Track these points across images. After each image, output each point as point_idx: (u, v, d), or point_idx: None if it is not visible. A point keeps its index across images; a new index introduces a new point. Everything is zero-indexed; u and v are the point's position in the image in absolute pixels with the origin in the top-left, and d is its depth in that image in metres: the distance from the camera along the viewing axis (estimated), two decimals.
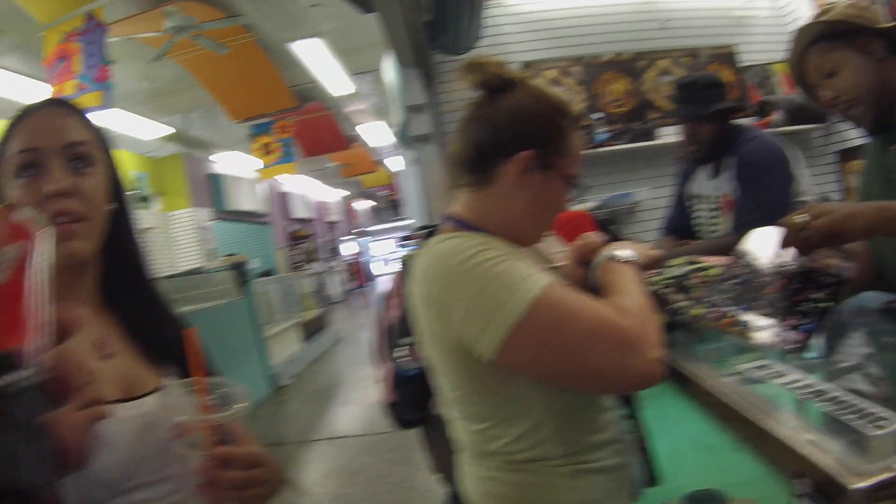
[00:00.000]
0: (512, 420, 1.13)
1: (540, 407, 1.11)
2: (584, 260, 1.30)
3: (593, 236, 1.33)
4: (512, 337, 1.00)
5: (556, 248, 1.45)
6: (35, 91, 6.25)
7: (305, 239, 17.59)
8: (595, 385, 1.09)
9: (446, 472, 2.06)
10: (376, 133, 11.99)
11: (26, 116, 0.96)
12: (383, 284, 22.22)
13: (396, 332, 1.97)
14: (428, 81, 4.42)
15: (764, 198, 2.40)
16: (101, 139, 1.02)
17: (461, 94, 1.25)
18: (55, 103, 1.01)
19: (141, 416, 0.91)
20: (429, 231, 2.11)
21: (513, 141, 1.17)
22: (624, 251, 1.23)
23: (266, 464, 0.94)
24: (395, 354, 1.94)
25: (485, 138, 1.20)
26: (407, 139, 4.58)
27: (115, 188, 1.03)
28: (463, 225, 1.21)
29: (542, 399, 1.11)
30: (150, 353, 1.02)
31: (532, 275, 1.03)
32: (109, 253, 1.02)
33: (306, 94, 8.71)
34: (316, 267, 16.52)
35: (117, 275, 1.05)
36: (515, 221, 1.20)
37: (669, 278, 1.45)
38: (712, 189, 2.68)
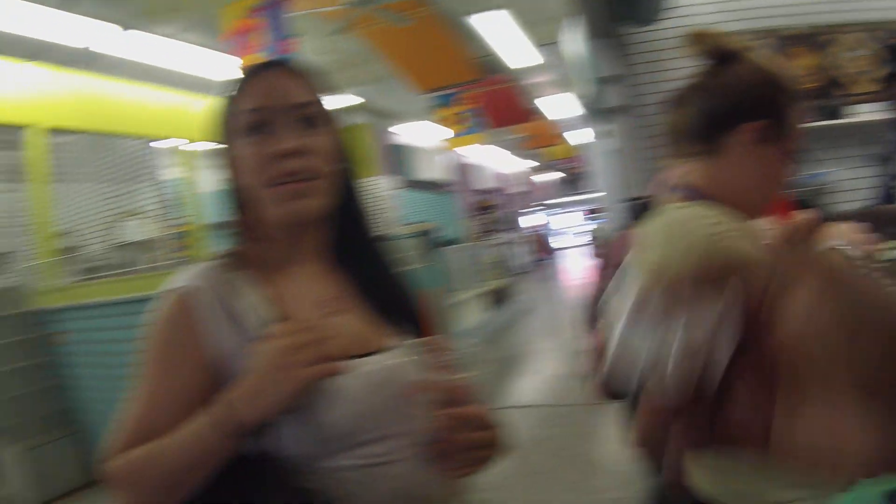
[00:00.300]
0: None
1: None
2: (796, 242, 1.18)
3: (808, 216, 1.21)
4: None
5: (763, 226, 1.33)
6: (218, 64, 6.70)
7: (489, 209, 17.76)
8: None
9: (650, 447, 1.99)
10: (557, 106, 11.83)
11: (254, 76, 0.98)
12: (571, 256, 22.14)
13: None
14: (619, 53, 4.28)
15: None
16: (326, 101, 1.02)
17: (657, 65, 1.18)
18: (281, 65, 1.03)
19: (371, 373, 0.93)
20: (641, 203, 2.02)
21: (743, 111, 1.15)
22: (842, 242, 1.10)
23: (493, 426, 0.96)
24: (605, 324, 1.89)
25: (714, 107, 1.19)
26: (597, 111, 4.47)
27: (339, 150, 1.04)
28: (696, 194, 1.18)
29: None
30: (379, 312, 1.04)
31: None
32: (338, 213, 1.03)
33: (484, 66, 8.74)
34: (500, 237, 16.65)
35: (346, 234, 1.06)
36: (744, 193, 1.17)
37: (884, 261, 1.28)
38: None
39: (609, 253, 2.04)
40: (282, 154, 0.93)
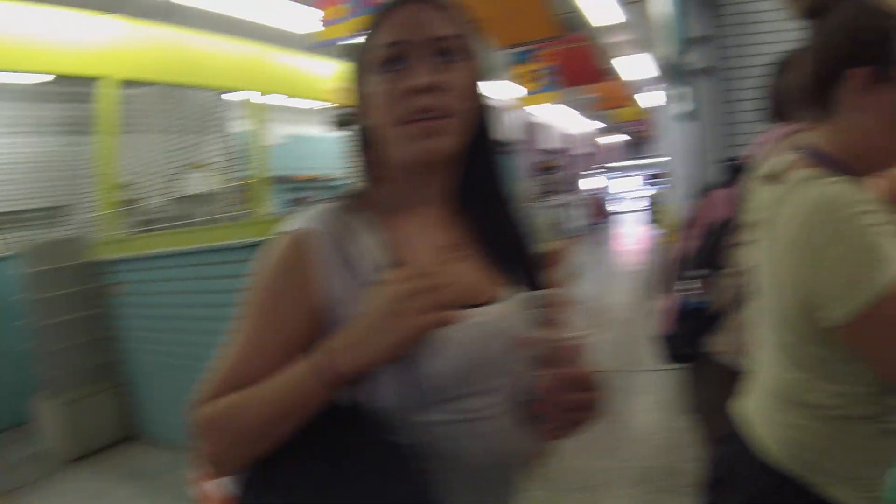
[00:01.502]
0: (836, 378, 1.10)
1: (869, 374, 1.07)
2: None
3: None
4: (865, 315, 0.96)
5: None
6: (295, 16, 6.67)
7: (552, 170, 17.56)
8: None
9: (709, 413, 2.02)
10: (633, 66, 11.57)
11: (392, 9, 0.92)
12: (628, 221, 21.77)
13: (690, 263, 1.94)
14: (710, 13, 4.15)
15: None
16: (467, 35, 0.95)
17: (747, 28, 1.16)
18: None
19: (479, 324, 0.91)
20: (736, 166, 2.00)
21: (843, 60, 1.11)
22: None
23: (596, 389, 0.92)
24: (684, 286, 1.92)
25: (817, 65, 1.15)
26: (676, 73, 4.37)
27: (477, 87, 0.97)
28: (823, 158, 1.15)
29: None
30: (498, 261, 1.01)
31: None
32: (470, 154, 0.98)
33: (564, 23, 8.56)
34: (557, 199, 16.49)
35: (476, 177, 1.01)
36: (870, 148, 1.13)
37: None
38: None
39: (696, 214, 2.04)
40: (415, 89, 0.88)
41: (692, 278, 1.90)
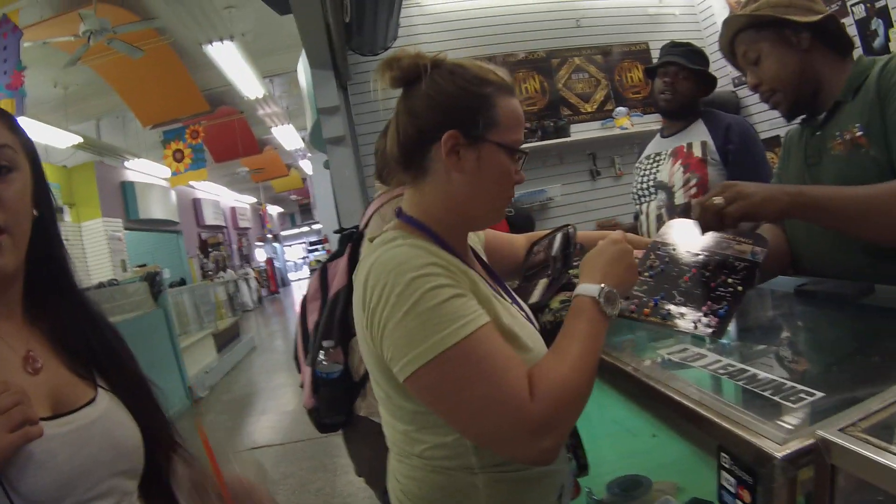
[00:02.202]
0: (432, 429, 1.10)
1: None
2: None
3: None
4: (416, 375, 0.97)
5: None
6: None
7: (218, 246, 17.17)
8: (483, 444, 1.05)
9: (370, 474, 2.05)
10: (289, 137, 11.86)
11: None
12: (299, 289, 21.93)
13: (317, 335, 1.94)
14: (342, 83, 4.40)
15: (761, 168, 2.57)
16: (25, 142, 0.94)
17: (377, 94, 1.19)
18: None
19: (74, 430, 0.87)
20: (348, 234, 2.07)
21: (434, 124, 1.11)
22: (588, 286, 1.11)
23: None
24: (315, 358, 1.91)
25: (409, 130, 1.14)
26: (319, 142, 4.54)
27: (40, 193, 0.95)
28: (410, 222, 1.17)
29: None
30: (80, 363, 0.97)
31: (463, 317, 0.97)
32: (34, 261, 0.95)
33: (220, 97, 8.55)
34: (228, 274, 16.17)
35: (43, 283, 0.98)
36: (463, 205, 1.15)
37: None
38: (670, 144, 2.82)
39: (314, 286, 2.08)
40: None
41: (320, 349, 1.91)
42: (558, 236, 1.58)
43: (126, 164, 11.39)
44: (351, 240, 2.01)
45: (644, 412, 1.39)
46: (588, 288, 1.09)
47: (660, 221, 2.75)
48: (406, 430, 1.14)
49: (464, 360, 0.95)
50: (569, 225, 1.61)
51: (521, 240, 1.71)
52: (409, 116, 1.14)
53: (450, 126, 1.10)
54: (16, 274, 0.92)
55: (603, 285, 1.08)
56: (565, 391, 0.96)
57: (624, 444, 2.07)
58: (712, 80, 2.77)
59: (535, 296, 1.47)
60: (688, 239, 1.43)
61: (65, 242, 1.02)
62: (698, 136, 2.72)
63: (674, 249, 1.43)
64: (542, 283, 1.50)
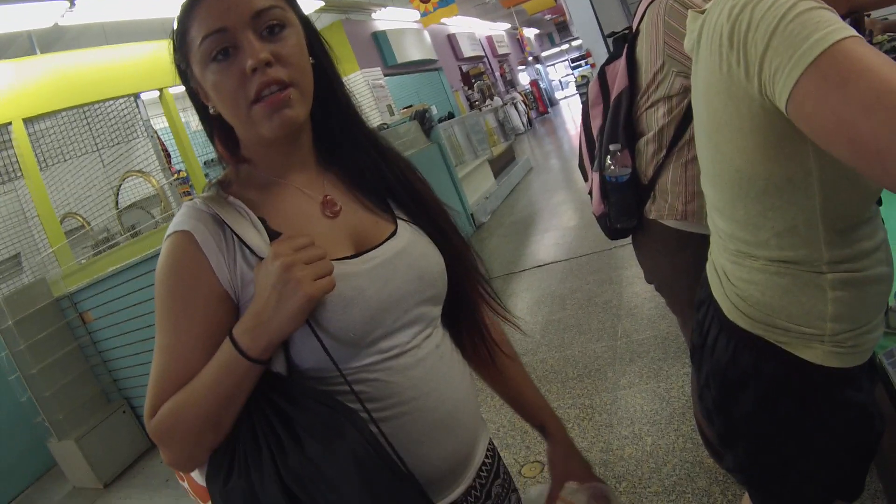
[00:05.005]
0: (783, 209, 0.99)
1: (815, 188, 0.96)
2: None
3: None
4: (800, 83, 0.84)
5: None
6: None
7: (480, 76, 17.39)
8: (869, 165, 0.83)
9: (662, 280, 1.99)
10: None
11: (198, 2, 0.89)
12: (567, 107, 21.79)
13: (603, 140, 1.87)
14: None
15: None
16: (282, 2, 0.93)
17: None
18: None
19: (379, 265, 0.92)
20: (622, 35, 1.92)
21: None
22: None
23: None
24: (603, 164, 1.86)
25: None
26: None
27: (312, 42, 0.97)
28: None
29: (819, 177, 0.95)
30: (377, 199, 1.03)
31: (836, 26, 0.83)
32: (320, 106, 0.99)
33: None
34: (496, 101, 16.39)
35: (331, 127, 1.03)
36: None
37: None
38: None
39: (597, 90, 1.97)
40: (252, 70, 0.87)
41: (606, 154, 1.84)
42: None
43: (373, 15, 11.71)
44: (626, 40, 1.87)
45: None
46: None
47: None
48: (748, 219, 1.04)
49: (847, 57, 0.81)
50: None
51: None
52: None
53: None
54: (305, 124, 0.97)
55: None
56: None
57: None
58: None
59: None
60: None
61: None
62: None
63: None
64: None
